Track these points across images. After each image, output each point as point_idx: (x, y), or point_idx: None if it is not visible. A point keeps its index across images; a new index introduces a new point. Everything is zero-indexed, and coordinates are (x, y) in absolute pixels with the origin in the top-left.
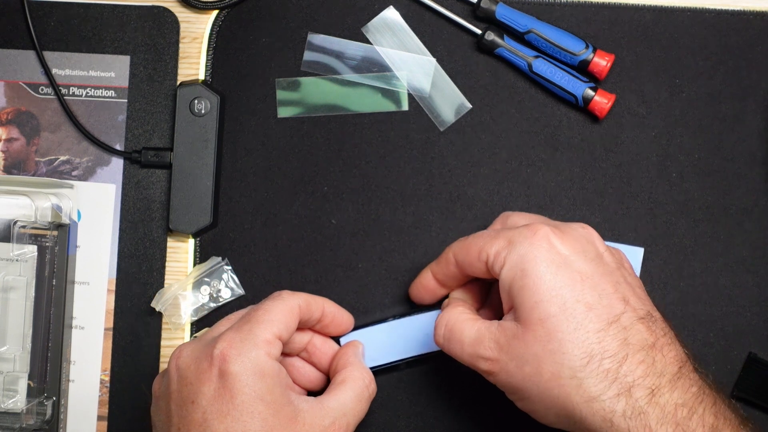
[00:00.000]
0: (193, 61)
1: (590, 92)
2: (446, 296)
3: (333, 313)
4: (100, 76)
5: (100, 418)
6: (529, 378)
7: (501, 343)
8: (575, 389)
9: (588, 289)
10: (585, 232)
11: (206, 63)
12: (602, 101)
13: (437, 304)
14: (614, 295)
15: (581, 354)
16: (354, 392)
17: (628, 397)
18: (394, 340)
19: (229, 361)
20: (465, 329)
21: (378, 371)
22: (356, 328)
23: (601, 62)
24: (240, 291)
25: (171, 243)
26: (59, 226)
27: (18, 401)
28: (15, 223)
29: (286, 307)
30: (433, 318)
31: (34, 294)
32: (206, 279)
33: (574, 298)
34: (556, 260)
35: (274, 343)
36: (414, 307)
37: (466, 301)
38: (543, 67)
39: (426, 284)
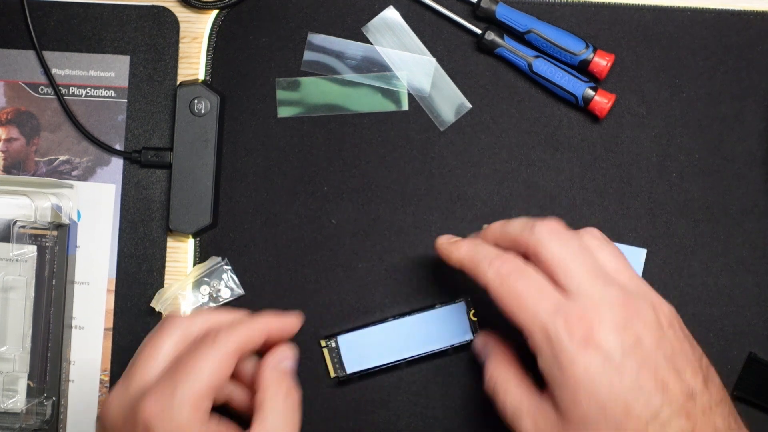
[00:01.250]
0: (193, 61)
1: (590, 92)
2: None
3: (278, 329)
4: (100, 76)
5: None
6: None
7: (539, 426)
8: None
9: (627, 387)
10: (643, 308)
11: (206, 63)
12: (602, 101)
13: (437, 303)
14: (654, 387)
15: None
16: (277, 412)
17: None
18: (394, 340)
19: (153, 428)
20: (508, 397)
21: (378, 371)
22: (356, 328)
23: (601, 62)
24: (240, 291)
25: (171, 243)
26: (59, 226)
27: (18, 401)
28: (15, 223)
29: (218, 355)
30: (433, 317)
31: (33, 294)
32: (206, 279)
33: (613, 398)
34: (593, 359)
35: (203, 400)
36: (415, 307)
37: (508, 347)
38: (543, 67)
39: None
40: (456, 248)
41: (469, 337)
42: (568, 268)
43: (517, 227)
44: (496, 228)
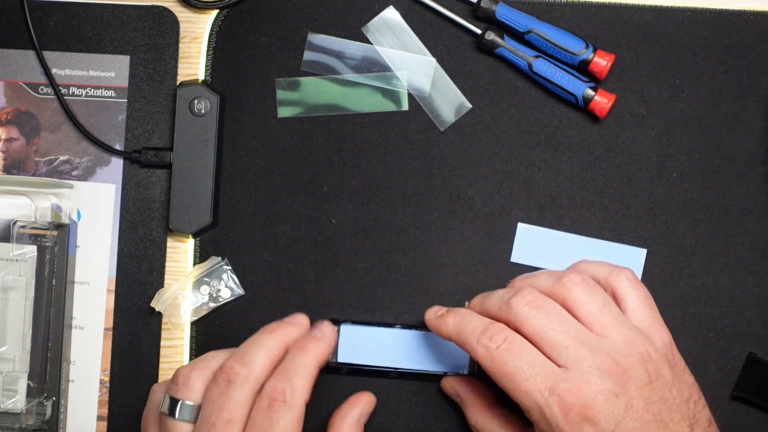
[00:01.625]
0: (193, 61)
1: (590, 92)
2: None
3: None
4: (100, 76)
5: (99, 418)
6: None
7: None
8: None
9: None
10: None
11: (206, 63)
12: (602, 101)
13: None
14: None
15: None
16: None
17: None
18: (394, 347)
19: None
20: None
21: (368, 372)
22: (364, 323)
23: (601, 62)
24: (240, 291)
25: (171, 243)
26: (59, 226)
27: (18, 401)
28: (15, 223)
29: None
30: (438, 340)
31: (33, 294)
32: (206, 279)
33: None
34: None
35: None
36: (414, 307)
37: (483, 390)
38: (543, 67)
39: None
40: (444, 323)
41: (464, 371)
42: (552, 341)
43: (493, 304)
44: (476, 304)
